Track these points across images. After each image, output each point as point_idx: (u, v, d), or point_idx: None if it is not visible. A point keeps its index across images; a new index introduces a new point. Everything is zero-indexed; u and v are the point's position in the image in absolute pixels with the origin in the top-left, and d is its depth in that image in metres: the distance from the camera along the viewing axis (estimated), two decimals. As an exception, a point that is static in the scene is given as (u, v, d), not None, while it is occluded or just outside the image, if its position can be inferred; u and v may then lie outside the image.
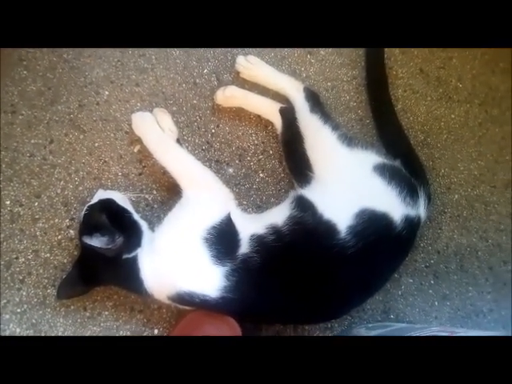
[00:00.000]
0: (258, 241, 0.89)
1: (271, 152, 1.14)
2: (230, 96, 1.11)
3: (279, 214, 0.95)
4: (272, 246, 0.89)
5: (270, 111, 1.13)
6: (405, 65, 1.29)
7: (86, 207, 0.94)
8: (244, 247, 0.89)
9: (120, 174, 1.07)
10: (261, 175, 1.12)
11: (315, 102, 1.11)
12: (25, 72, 1.11)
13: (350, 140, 1.03)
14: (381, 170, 0.98)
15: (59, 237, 1.01)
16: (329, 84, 1.23)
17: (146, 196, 1.05)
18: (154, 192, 1.07)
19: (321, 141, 1.04)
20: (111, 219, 0.90)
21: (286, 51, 1.23)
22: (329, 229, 0.90)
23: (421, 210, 0.98)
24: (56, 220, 1.02)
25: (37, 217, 1.02)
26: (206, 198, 0.96)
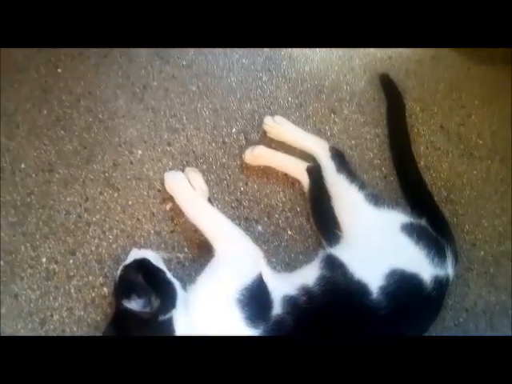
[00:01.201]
0: (290, 302, 0.96)
1: (299, 209, 1.23)
2: (259, 155, 1.21)
3: (310, 274, 1.02)
4: (304, 307, 0.95)
5: (297, 170, 1.23)
6: (425, 122, 1.39)
7: (121, 267, 1.01)
8: (276, 308, 0.96)
9: (152, 231, 1.16)
10: (289, 232, 1.20)
11: (341, 161, 1.20)
12: (62, 132, 1.23)
13: (376, 199, 1.11)
14: (408, 229, 1.06)
15: (93, 294, 1.09)
16: (353, 142, 1.33)
17: (178, 254, 1.13)
18: (186, 250, 1.15)
19: (348, 200, 1.12)
20: (147, 280, 0.97)
21: (310, 110, 1.34)
22: (360, 289, 0.96)
23: (449, 269, 1.05)
24: (90, 278, 1.10)
25: (71, 274, 1.10)
26: (237, 258, 1.03)
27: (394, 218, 1.09)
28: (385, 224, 1.08)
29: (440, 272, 1.02)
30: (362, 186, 1.13)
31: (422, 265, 1.01)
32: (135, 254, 1.05)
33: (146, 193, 1.18)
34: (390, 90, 1.41)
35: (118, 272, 1.01)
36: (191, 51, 1.38)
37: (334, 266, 1.02)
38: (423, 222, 1.11)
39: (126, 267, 1.01)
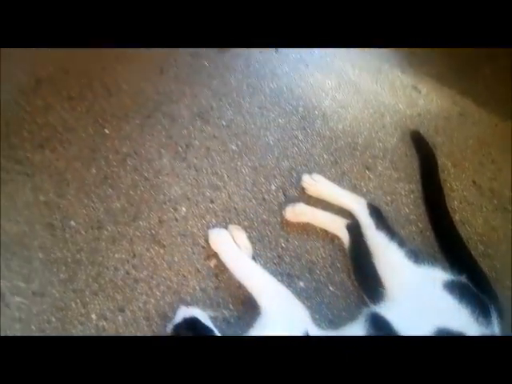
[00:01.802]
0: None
1: (339, 266, 1.29)
2: (299, 213, 1.30)
3: (355, 333, 1.08)
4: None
5: (337, 226, 1.31)
6: (457, 177, 1.48)
7: (172, 326, 1.08)
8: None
9: (198, 288, 1.23)
10: (331, 289, 1.27)
11: (380, 218, 1.28)
12: (110, 190, 1.33)
13: (416, 256, 1.18)
14: (451, 287, 1.12)
15: (142, 352, 1.14)
16: (388, 198, 1.41)
17: (224, 311, 1.20)
18: (231, 306, 1.21)
19: (389, 257, 1.19)
20: (198, 338, 1.03)
21: (345, 167, 1.44)
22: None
23: (495, 327, 1.10)
24: (138, 334, 1.16)
25: (120, 331, 1.17)
26: (283, 315, 1.09)
27: (436, 276, 1.15)
28: (427, 282, 1.14)
29: (485, 330, 1.06)
30: (402, 243, 1.19)
31: (467, 323, 1.06)
32: (184, 313, 1.11)
33: (190, 249, 1.26)
34: (421, 146, 1.50)
35: (169, 331, 1.07)
36: (230, 112, 1.49)
37: (379, 324, 1.07)
38: (464, 278, 1.16)
39: (177, 326, 1.07)
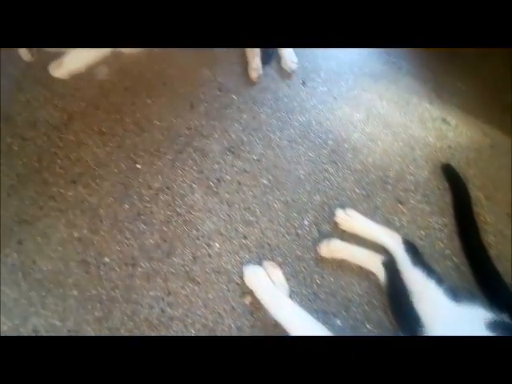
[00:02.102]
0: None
1: (376, 303, 1.30)
2: (334, 249, 1.31)
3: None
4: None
5: (372, 263, 1.32)
6: (491, 210, 1.49)
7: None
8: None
9: (233, 326, 1.24)
10: (368, 326, 1.27)
11: (416, 254, 1.29)
12: (143, 226, 1.35)
13: (455, 294, 1.18)
14: (494, 327, 1.11)
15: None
16: (422, 232, 1.42)
17: (261, 350, 1.20)
18: (268, 346, 1.21)
19: (427, 296, 1.19)
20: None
21: (377, 201, 1.46)
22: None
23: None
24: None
25: (157, 371, 1.17)
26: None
27: (478, 315, 1.15)
28: (468, 321, 1.14)
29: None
30: (440, 280, 1.20)
31: None
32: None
33: (225, 286, 1.27)
34: (453, 179, 1.52)
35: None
36: (260, 146, 1.52)
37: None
38: (506, 317, 1.16)
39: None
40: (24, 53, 1.60)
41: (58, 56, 1.59)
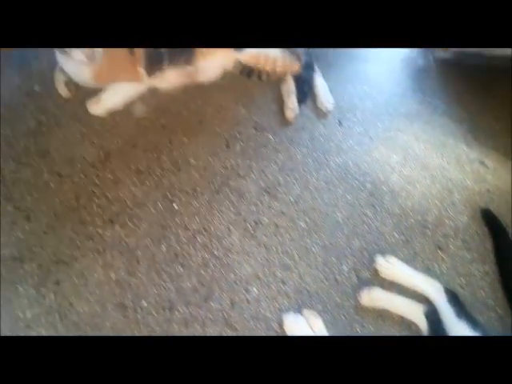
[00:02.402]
0: None
1: (418, 355, 1.28)
2: (375, 298, 1.31)
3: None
4: None
5: (414, 313, 1.31)
6: (533, 258, 1.47)
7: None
8: None
9: (273, 376, 1.23)
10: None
11: (458, 304, 1.29)
12: (180, 268, 1.37)
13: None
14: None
15: None
16: (462, 280, 1.42)
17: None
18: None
19: (474, 349, 1.18)
20: None
21: (417, 247, 1.46)
22: None
23: None
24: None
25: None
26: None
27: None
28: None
29: None
30: (485, 333, 1.19)
31: None
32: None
33: (264, 334, 1.27)
34: (493, 224, 1.52)
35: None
36: (297, 187, 1.54)
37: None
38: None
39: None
40: (62, 89, 1.65)
41: (95, 93, 1.63)
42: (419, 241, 1.46)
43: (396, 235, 1.47)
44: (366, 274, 1.38)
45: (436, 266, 1.42)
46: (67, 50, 1.43)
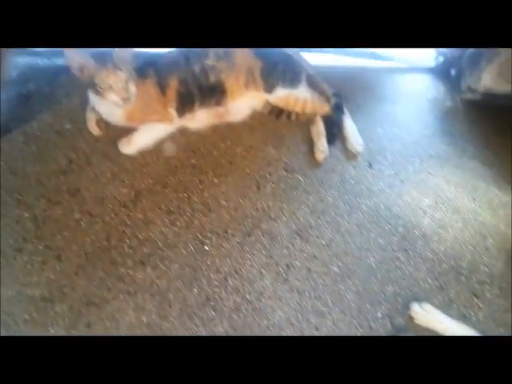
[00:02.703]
0: None
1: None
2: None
3: None
4: None
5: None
6: None
7: None
8: None
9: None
10: None
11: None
12: (212, 312, 1.37)
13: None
14: None
15: None
16: (501, 330, 1.41)
17: None
18: None
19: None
20: None
21: (452, 293, 1.46)
22: None
23: None
24: None
25: None
26: None
27: None
28: None
29: None
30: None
31: None
32: None
33: (298, 384, 1.26)
34: (530, 272, 1.51)
35: None
36: (329, 230, 1.55)
37: None
38: None
39: None
40: (93, 127, 1.70)
41: (127, 132, 1.68)
42: (454, 287, 1.46)
43: (430, 281, 1.47)
44: (400, 321, 1.38)
45: (472, 313, 1.42)
46: (101, 90, 1.47)
